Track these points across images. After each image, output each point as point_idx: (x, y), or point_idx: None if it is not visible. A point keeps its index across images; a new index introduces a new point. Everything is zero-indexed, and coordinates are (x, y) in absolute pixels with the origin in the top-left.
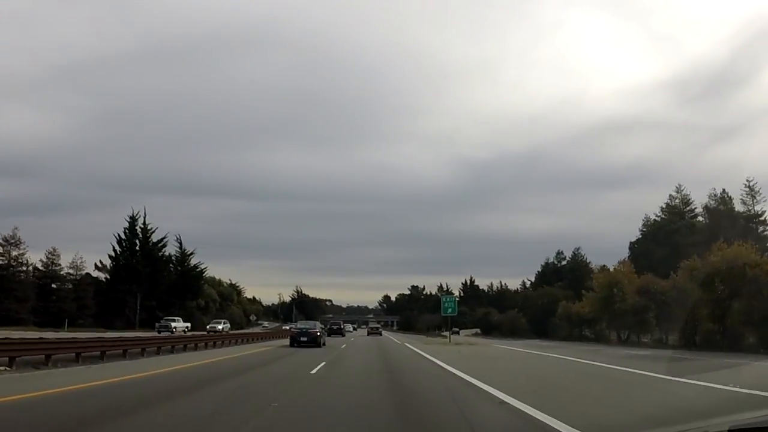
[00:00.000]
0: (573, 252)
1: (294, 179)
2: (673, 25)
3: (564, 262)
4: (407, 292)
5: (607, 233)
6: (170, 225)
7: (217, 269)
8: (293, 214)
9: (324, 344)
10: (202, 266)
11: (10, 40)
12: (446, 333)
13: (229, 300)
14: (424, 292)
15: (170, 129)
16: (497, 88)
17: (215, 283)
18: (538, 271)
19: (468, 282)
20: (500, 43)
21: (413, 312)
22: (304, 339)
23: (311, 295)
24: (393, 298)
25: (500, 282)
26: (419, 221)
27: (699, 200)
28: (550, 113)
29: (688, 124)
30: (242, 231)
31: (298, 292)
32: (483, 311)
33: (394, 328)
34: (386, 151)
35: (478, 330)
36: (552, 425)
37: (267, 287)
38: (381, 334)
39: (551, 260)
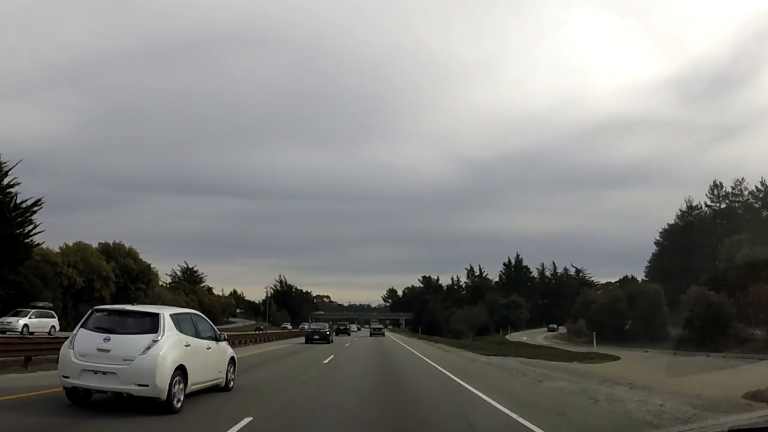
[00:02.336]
0: (738, 183)
1: (296, 178)
2: (674, 24)
3: (725, 203)
4: (417, 284)
5: (609, 233)
6: (172, 224)
7: (218, 267)
8: (295, 213)
9: (332, 341)
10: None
11: (11, 39)
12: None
13: (143, 281)
14: (456, 283)
15: (172, 128)
16: (499, 86)
17: (120, 252)
18: (664, 230)
19: (512, 263)
20: (502, 42)
21: (435, 305)
22: (317, 337)
23: (308, 291)
24: (400, 293)
25: (553, 265)
26: (421, 220)
27: None
28: (551, 112)
29: (690, 123)
30: (243, 230)
31: (281, 282)
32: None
33: (403, 327)
34: (388, 149)
35: (555, 329)
36: None
37: (268, 286)
38: (384, 335)
39: (696, 203)
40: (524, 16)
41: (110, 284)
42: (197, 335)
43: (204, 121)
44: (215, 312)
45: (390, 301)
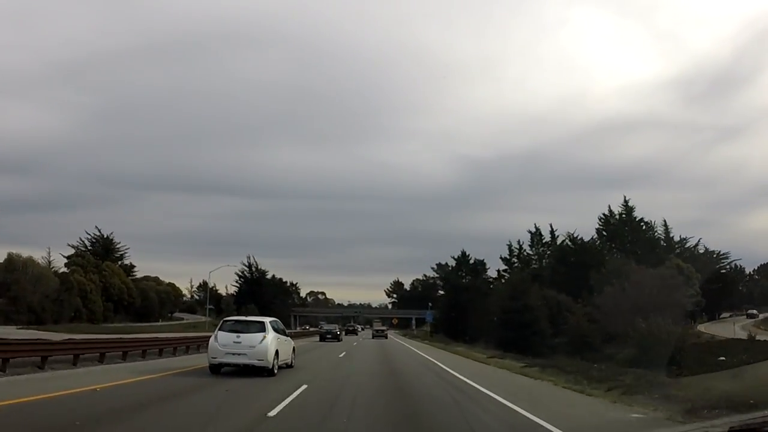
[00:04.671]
0: None
1: (295, 177)
2: (676, 23)
3: None
4: (432, 273)
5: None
6: (172, 222)
7: (218, 266)
8: (294, 212)
9: (341, 339)
10: None
11: (10, 36)
12: None
13: None
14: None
15: (172, 126)
16: (499, 86)
17: None
18: None
19: (613, 214)
20: (503, 41)
21: (526, 285)
22: (329, 336)
23: (290, 282)
24: (407, 287)
25: (664, 224)
26: (421, 220)
27: None
28: (552, 112)
29: (691, 123)
30: (243, 228)
31: (249, 266)
32: None
33: (416, 328)
34: (388, 149)
35: (755, 315)
36: None
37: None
38: (386, 337)
39: None
40: (525, 16)
41: None
42: (278, 332)
43: (204, 119)
44: (137, 302)
45: (395, 296)
